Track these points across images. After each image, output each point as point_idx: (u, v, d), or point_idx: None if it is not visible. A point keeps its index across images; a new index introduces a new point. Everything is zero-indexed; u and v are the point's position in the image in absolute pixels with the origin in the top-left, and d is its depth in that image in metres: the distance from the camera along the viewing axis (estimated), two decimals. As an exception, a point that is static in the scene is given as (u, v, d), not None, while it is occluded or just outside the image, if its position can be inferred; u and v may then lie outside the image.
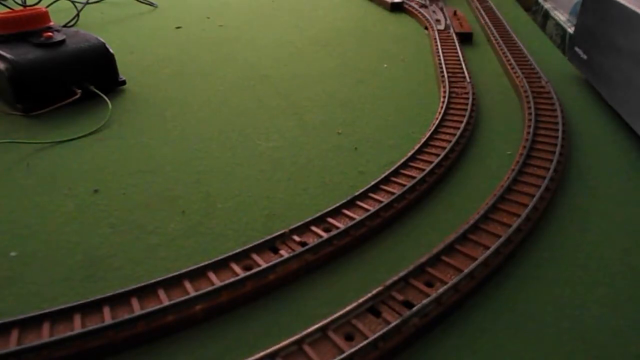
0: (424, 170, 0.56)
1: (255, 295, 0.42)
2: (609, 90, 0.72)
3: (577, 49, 0.82)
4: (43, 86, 0.75)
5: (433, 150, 0.61)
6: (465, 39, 1.06)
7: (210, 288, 0.40)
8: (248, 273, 0.42)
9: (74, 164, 0.62)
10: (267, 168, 0.61)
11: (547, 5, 1.23)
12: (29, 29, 0.80)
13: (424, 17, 1.19)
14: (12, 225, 0.51)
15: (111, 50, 0.81)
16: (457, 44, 0.99)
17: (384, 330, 0.36)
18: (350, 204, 0.52)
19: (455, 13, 1.20)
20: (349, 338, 0.37)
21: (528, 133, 0.64)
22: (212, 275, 0.42)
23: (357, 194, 0.53)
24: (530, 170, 0.57)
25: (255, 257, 0.44)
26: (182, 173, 0.60)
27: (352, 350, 0.35)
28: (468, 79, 0.81)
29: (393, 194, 0.53)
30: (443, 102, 0.74)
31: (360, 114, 0.75)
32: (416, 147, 0.61)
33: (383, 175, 0.56)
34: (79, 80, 0.78)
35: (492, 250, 0.44)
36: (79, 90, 0.76)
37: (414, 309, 0.38)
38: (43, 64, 0.74)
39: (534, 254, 0.47)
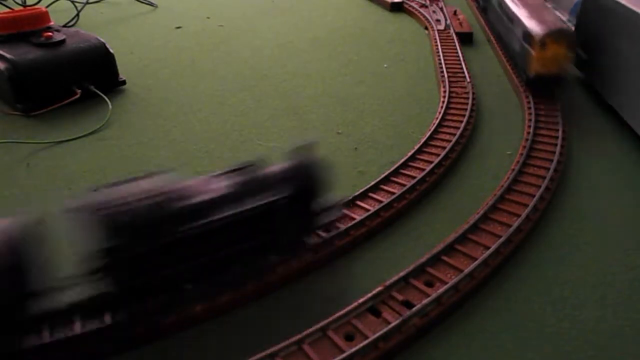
0: (424, 170, 0.56)
1: (255, 295, 0.42)
2: (609, 90, 0.72)
3: (577, 49, 0.82)
4: (43, 86, 0.75)
5: (433, 150, 0.61)
6: (465, 39, 1.06)
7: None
8: (248, 273, 0.42)
9: (74, 164, 0.62)
10: (267, 168, 0.61)
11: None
12: (29, 29, 0.80)
13: (424, 17, 1.19)
14: (12, 225, 0.51)
15: (111, 50, 0.81)
16: (457, 44, 0.98)
17: (384, 330, 0.36)
18: (350, 203, 0.52)
19: (455, 13, 1.19)
20: (349, 338, 0.37)
21: (528, 133, 0.64)
22: (212, 275, 0.42)
23: (357, 194, 0.53)
24: (530, 170, 0.56)
25: (255, 257, 0.44)
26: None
27: (353, 350, 0.35)
28: (468, 79, 0.81)
29: (393, 193, 0.52)
30: (443, 102, 0.74)
31: (360, 114, 0.75)
32: (416, 147, 0.61)
33: (383, 175, 0.56)
34: (79, 80, 0.78)
35: (492, 250, 0.44)
36: (79, 90, 0.76)
37: (414, 308, 0.38)
38: (43, 64, 0.74)
39: (534, 254, 0.47)
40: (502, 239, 0.45)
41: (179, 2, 1.44)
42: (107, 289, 0.34)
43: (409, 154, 0.60)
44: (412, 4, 1.31)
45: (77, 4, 1.25)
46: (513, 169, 0.56)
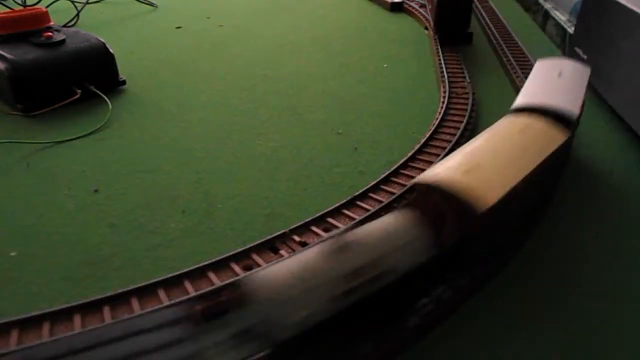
0: (424, 170, 0.56)
1: (255, 295, 0.42)
2: (609, 90, 0.72)
3: (577, 49, 0.82)
4: (43, 86, 0.75)
5: (433, 150, 0.61)
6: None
7: (210, 288, 0.40)
8: (248, 273, 0.42)
9: (74, 164, 0.62)
10: (267, 168, 0.61)
11: (547, 5, 1.23)
12: (29, 29, 0.80)
13: (424, 17, 1.19)
14: (12, 225, 0.51)
15: (111, 50, 0.81)
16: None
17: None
18: (350, 204, 0.52)
19: (455, 13, 1.19)
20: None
21: (528, 133, 0.64)
22: (212, 275, 0.42)
23: (357, 194, 0.53)
24: (530, 170, 0.56)
25: (255, 257, 0.44)
26: (182, 173, 0.60)
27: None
28: (468, 79, 0.81)
29: (393, 194, 0.53)
30: (443, 102, 0.74)
31: (360, 114, 0.75)
32: (416, 147, 0.61)
33: (383, 175, 0.56)
34: (79, 80, 0.78)
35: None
36: (79, 90, 0.76)
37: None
38: (43, 64, 0.74)
39: (534, 254, 0.47)
40: (502, 239, 0.45)
41: (179, 2, 1.44)
42: None
43: (409, 154, 0.60)
44: (412, 4, 1.31)
45: (77, 4, 1.25)
46: (513, 169, 0.56)
